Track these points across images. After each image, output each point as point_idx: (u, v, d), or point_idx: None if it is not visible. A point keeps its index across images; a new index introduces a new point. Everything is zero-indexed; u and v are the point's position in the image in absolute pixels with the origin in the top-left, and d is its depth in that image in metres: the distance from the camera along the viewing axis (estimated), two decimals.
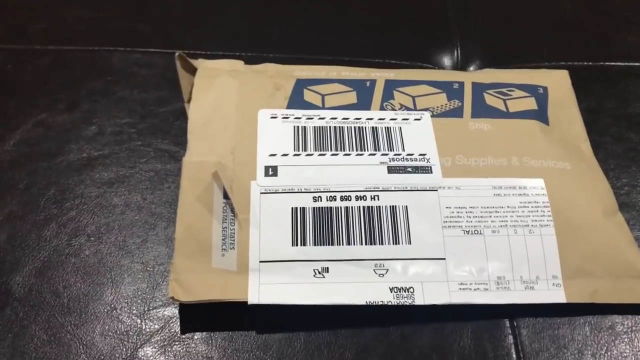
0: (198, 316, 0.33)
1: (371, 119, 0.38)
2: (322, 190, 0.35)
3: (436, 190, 0.35)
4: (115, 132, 0.42)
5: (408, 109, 0.39)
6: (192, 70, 0.41)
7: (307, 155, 0.36)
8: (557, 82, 0.43)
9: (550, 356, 0.33)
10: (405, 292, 0.33)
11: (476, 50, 0.50)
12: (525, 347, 0.33)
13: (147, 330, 0.33)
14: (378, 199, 0.35)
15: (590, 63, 0.49)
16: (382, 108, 0.39)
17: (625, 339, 0.33)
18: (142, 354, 0.32)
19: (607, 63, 0.49)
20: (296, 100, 0.39)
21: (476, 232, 0.34)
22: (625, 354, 0.33)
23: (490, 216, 0.35)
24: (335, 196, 0.35)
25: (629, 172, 0.41)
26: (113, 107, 0.44)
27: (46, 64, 0.46)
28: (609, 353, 0.33)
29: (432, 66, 0.48)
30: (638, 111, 0.45)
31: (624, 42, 0.51)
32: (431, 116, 0.38)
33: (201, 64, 0.41)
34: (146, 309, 0.34)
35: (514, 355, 0.33)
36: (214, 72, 0.40)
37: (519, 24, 0.52)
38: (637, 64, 0.49)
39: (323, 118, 0.38)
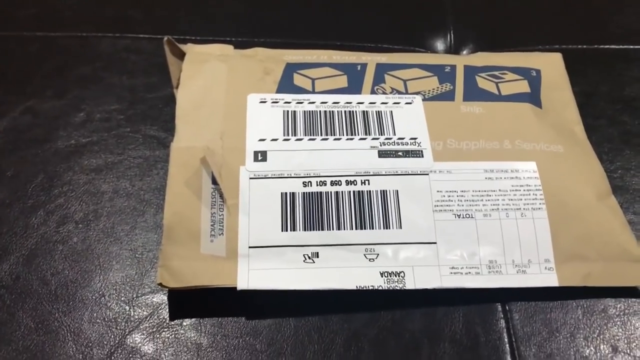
0: (187, 302, 0.33)
1: (362, 103, 0.38)
2: (312, 175, 0.35)
3: (427, 174, 0.35)
4: (104, 119, 0.42)
5: (399, 92, 0.39)
6: (181, 56, 0.41)
7: (297, 140, 0.36)
8: (551, 65, 0.42)
9: (543, 340, 0.32)
10: (395, 276, 0.32)
11: (469, 34, 0.49)
12: (517, 331, 0.33)
13: (136, 317, 0.33)
14: (368, 184, 0.34)
15: (585, 46, 0.48)
16: (373, 92, 0.39)
17: (618, 322, 0.33)
18: (131, 340, 0.32)
19: (602, 46, 0.48)
20: (286, 85, 0.39)
21: (467, 215, 0.34)
22: (617, 337, 0.32)
23: (482, 200, 0.34)
24: (325, 181, 0.34)
25: (623, 156, 0.41)
26: (102, 93, 0.43)
27: (34, 50, 0.46)
28: (601, 336, 0.33)
29: (425, 50, 0.48)
30: (632, 94, 0.45)
31: (619, 25, 0.50)
32: (422, 100, 0.38)
33: (190, 48, 0.41)
34: (135, 295, 0.33)
35: (506, 340, 0.32)
36: (203, 56, 0.40)
37: (512, 7, 0.51)
38: (632, 46, 0.48)
39: (313, 102, 0.37)
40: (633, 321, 0.33)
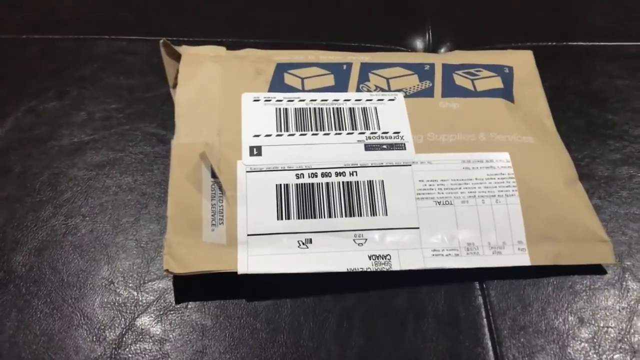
0: (191, 287, 0.36)
1: (348, 100, 0.40)
2: (304, 167, 0.37)
3: (410, 165, 0.38)
4: (104, 118, 0.44)
5: (383, 90, 0.41)
6: (177, 57, 0.43)
7: (289, 135, 0.39)
8: (522, 62, 0.46)
9: (517, 314, 0.36)
10: (382, 259, 0.35)
11: (446, 33, 0.52)
12: (494, 307, 0.36)
13: (144, 301, 0.35)
14: (356, 175, 0.37)
15: (554, 43, 0.52)
16: (358, 90, 0.41)
17: (584, 297, 0.36)
18: (140, 323, 0.34)
19: (570, 43, 0.52)
20: (277, 84, 0.41)
21: (447, 202, 0.37)
22: (583, 310, 0.36)
23: (460, 188, 0.37)
24: (316, 173, 0.37)
25: (590, 145, 0.44)
26: (101, 93, 0.45)
27: (33, 52, 0.48)
28: (569, 309, 0.36)
29: (405, 49, 0.51)
30: (598, 88, 0.48)
31: (586, 22, 0.53)
32: (404, 96, 0.41)
33: (185, 50, 0.43)
34: (142, 282, 0.36)
35: (484, 314, 0.36)
36: (198, 58, 0.42)
37: (487, 7, 0.55)
38: (598, 43, 0.52)
39: (303, 100, 0.40)
40: (597, 295, 0.36)
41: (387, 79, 0.42)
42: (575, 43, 0.52)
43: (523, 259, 0.36)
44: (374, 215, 0.36)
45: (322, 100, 0.40)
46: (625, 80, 0.48)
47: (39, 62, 0.47)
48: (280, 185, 0.37)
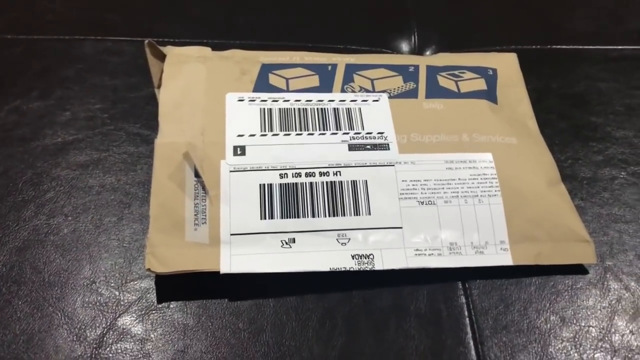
0: (173, 287, 0.35)
1: (333, 100, 0.41)
2: (288, 167, 0.37)
3: (393, 165, 0.38)
4: (88, 118, 0.44)
5: (367, 91, 0.42)
6: (162, 57, 0.43)
7: (274, 135, 0.39)
8: (506, 64, 0.46)
9: (499, 313, 0.36)
10: (365, 258, 0.35)
11: (432, 36, 0.53)
12: (476, 306, 0.36)
13: (126, 301, 0.35)
14: (340, 175, 0.37)
15: (538, 46, 0.52)
16: (343, 90, 0.42)
17: (566, 296, 0.37)
18: (122, 322, 0.34)
19: (554, 46, 0.52)
20: (262, 84, 0.41)
21: (430, 202, 0.37)
22: (565, 309, 0.36)
23: (443, 188, 0.37)
24: (300, 173, 0.37)
25: (572, 147, 0.45)
26: (85, 93, 0.45)
27: (18, 53, 0.48)
28: (551, 309, 0.36)
29: (391, 51, 0.51)
30: (581, 90, 0.49)
31: (569, 27, 0.54)
32: (388, 97, 0.41)
33: (170, 50, 0.43)
34: (124, 281, 0.36)
35: (466, 314, 0.36)
36: (182, 58, 0.42)
37: (472, 10, 0.55)
38: (580, 47, 0.52)
39: (288, 100, 0.40)
40: (579, 295, 0.37)
41: (372, 80, 0.42)
42: (559, 46, 0.52)
43: (505, 259, 0.36)
44: (357, 215, 0.36)
45: (307, 101, 0.40)
46: (608, 83, 0.49)
47: (24, 62, 0.47)
48: (264, 185, 0.37)
